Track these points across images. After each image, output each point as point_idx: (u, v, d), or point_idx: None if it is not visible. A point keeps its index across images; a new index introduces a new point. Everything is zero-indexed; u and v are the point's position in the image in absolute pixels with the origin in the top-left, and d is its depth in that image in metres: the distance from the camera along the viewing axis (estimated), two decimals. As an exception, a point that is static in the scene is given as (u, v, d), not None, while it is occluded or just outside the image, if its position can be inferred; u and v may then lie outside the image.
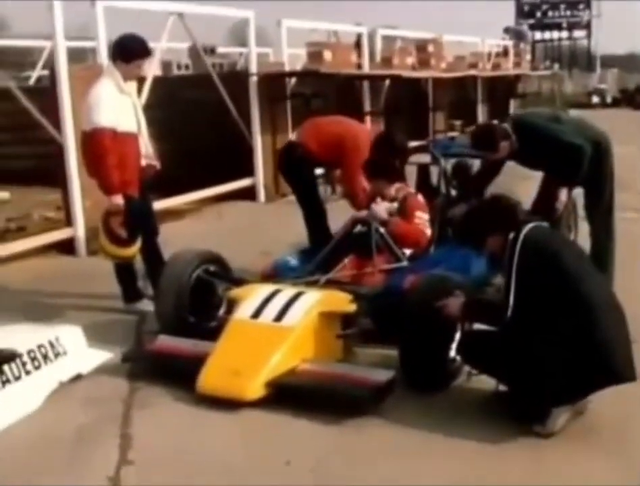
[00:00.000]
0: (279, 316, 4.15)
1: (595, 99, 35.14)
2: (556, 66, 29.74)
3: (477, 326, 3.99)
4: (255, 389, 3.87)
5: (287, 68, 11.35)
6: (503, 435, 3.58)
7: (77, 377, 4.33)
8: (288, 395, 3.90)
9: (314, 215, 6.11)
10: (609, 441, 3.55)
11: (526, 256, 3.50)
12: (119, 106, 5.19)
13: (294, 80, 11.23)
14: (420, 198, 5.46)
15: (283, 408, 3.87)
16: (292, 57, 13.09)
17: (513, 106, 22.07)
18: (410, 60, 14.51)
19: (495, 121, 5.44)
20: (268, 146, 10.68)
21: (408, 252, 5.22)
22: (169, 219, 9.39)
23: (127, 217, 5.23)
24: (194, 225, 9.31)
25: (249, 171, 10.63)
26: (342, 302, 4.30)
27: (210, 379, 3.97)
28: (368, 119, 13.15)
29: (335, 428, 3.72)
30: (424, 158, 6.46)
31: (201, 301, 4.82)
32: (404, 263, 5.00)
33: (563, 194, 5.27)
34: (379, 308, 4.41)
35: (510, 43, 22.36)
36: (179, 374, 4.21)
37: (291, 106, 11.09)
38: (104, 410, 4.01)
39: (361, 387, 3.79)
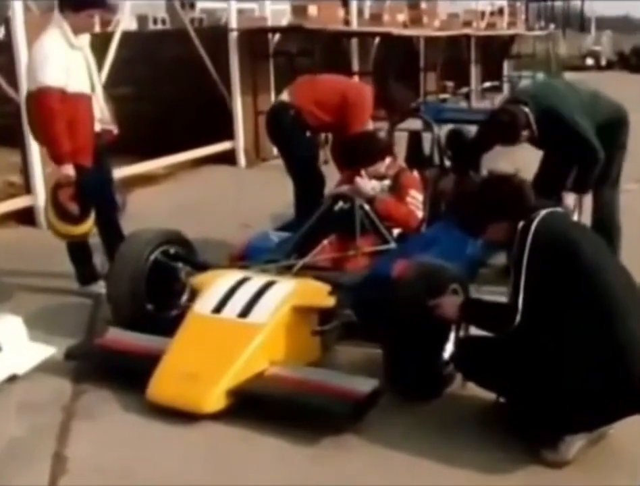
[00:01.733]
0: (245, 311, 3.56)
1: (590, 61, 34.49)
2: (552, 26, 28.84)
3: (475, 329, 3.42)
4: (215, 398, 3.29)
5: (270, 24, 10.65)
6: (505, 459, 3.02)
7: (12, 379, 3.74)
8: (254, 405, 3.33)
9: (306, 187, 5.42)
10: (633, 470, 3.00)
11: (539, 250, 2.91)
12: (68, 63, 4.53)
13: (277, 37, 10.53)
14: (415, 175, 4.86)
15: (249, 421, 3.29)
16: (279, 13, 12.40)
17: (507, 68, 21.37)
18: (402, 17, 13.79)
19: (514, 103, 4.69)
20: (249, 107, 10.02)
21: (396, 231, 4.65)
22: (141, 184, 8.79)
23: (78, 189, 4.62)
24: (168, 192, 8.68)
25: (228, 134, 9.98)
26: (319, 293, 3.71)
27: (162, 385, 3.39)
28: (356, 79, 12.48)
29: (308, 448, 3.14)
30: (415, 124, 5.85)
31: (161, 287, 4.24)
32: (392, 245, 4.41)
33: (569, 199, 4.65)
34: (362, 300, 3.83)
35: (504, 1, 21.56)
36: (130, 376, 3.63)
37: (274, 65, 10.41)
38: (40, 421, 3.43)
39: (340, 400, 3.20)
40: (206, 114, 9.76)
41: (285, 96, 5.53)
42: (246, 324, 3.52)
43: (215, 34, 10.21)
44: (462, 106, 14.68)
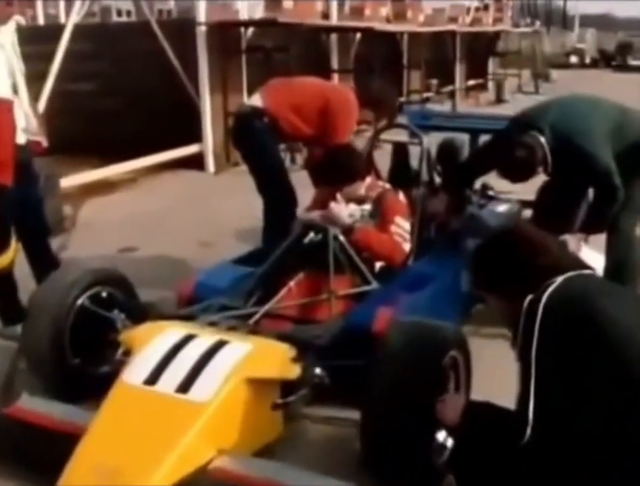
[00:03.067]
0: (185, 385, 2.77)
1: (574, 59, 34.07)
2: (538, 23, 28.21)
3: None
4: (141, 504, 2.53)
5: (244, 17, 9.86)
6: None
7: None
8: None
9: (278, 205, 4.69)
10: None
11: (553, 335, 2.14)
12: (-18, 61, 3.75)
13: (250, 32, 9.76)
14: (401, 198, 4.11)
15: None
16: (254, 7, 11.59)
17: (492, 66, 20.70)
18: (384, 11, 13.05)
19: (528, 127, 3.92)
20: (218, 107, 9.26)
21: (378, 264, 3.91)
22: (97, 192, 8.02)
23: (-5, 213, 3.84)
24: (125, 201, 7.89)
25: (196, 136, 9.21)
26: (280, 359, 2.93)
27: (75, 479, 2.61)
28: (336, 77, 11.75)
29: None
30: (399, 134, 5.11)
31: (91, 338, 3.47)
32: (373, 285, 3.66)
33: (573, 243, 3.89)
34: (336, 360, 3.08)
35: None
36: (41, 460, 2.87)
37: (247, 62, 9.66)
38: None
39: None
40: (171, 114, 9.02)
41: (256, 101, 4.74)
42: (186, 402, 2.74)
43: (181, 27, 9.42)
44: (447, 108, 14.01)
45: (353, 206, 3.96)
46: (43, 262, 4.29)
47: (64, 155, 8.50)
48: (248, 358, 2.86)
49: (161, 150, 8.67)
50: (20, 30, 7.74)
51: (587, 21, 52.76)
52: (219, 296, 3.54)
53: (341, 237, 3.70)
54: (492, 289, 2.40)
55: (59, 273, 3.61)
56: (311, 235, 3.71)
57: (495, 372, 3.12)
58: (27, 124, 4.06)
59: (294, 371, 2.89)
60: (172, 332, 3.05)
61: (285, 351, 2.96)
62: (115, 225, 6.80)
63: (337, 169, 4.01)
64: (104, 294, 3.52)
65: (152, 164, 8.73)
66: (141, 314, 3.46)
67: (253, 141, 4.67)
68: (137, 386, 2.83)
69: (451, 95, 16.48)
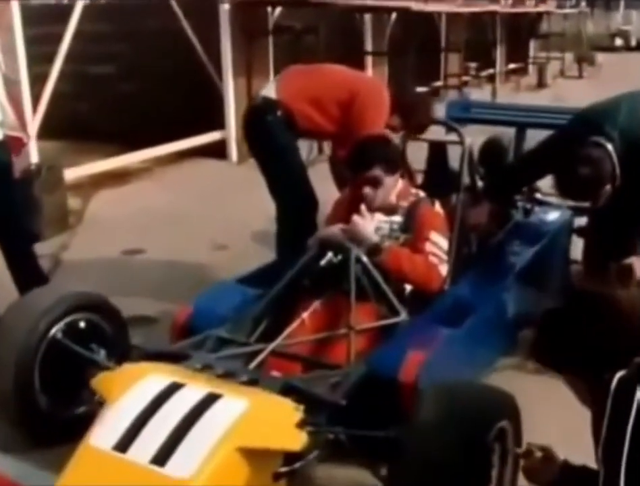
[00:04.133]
0: (165, 454, 2.21)
1: (619, 42, 32.92)
2: (583, 4, 27.08)
3: None
4: None
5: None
6: None
7: None
8: None
9: (292, 213, 4.15)
10: None
11: None
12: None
13: (278, 11, 9.17)
14: (438, 209, 3.49)
15: None
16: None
17: (533, 48, 19.86)
18: (422, -10, 12.35)
19: (594, 132, 3.25)
20: (242, 92, 8.68)
21: (409, 287, 3.33)
22: (109, 184, 7.51)
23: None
24: (137, 195, 7.35)
25: (218, 122, 8.66)
26: (284, 423, 2.35)
27: None
28: (369, 60, 11.16)
29: None
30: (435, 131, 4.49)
31: (66, 374, 2.94)
32: (403, 316, 3.07)
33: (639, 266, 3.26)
34: (354, 416, 2.51)
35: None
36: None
37: (274, 44, 9.09)
38: None
39: None
40: (192, 100, 8.53)
41: (270, 91, 4.14)
42: (163, 477, 2.18)
43: (203, 5, 8.83)
44: (486, 93, 13.33)
45: (380, 217, 3.37)
46: (26, 276, 3.81)
47: (75, 142, 8.04)
48: (243, 420, 2.29)
49: (180, 137, 8.15)
50: (34, 10, 7.18)
51: (632, 2, 51.25)
52: (218, 327, 2.97)
53: (365, 259, 3.11)
54: (566, 369, 1.82)
55: (29, 296, 3.08)
56: (329, 255, 3.13)
57: (549, 423, 2.55)
58: (3, 117, 3.52)
59: (300, 439, 2.30)
60: (153, 379, 2.49)
61: (290, 411, 2.37)
62: (125, 221, 6.29)
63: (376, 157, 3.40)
64: (82, 324, 2.98)
65: (170, 153, 8.21)
66: (125, 349, 2.93)
67: (264, 137, 4.08)
68: (105, 451, 2.28)
69: (491, 79, 15.76)
